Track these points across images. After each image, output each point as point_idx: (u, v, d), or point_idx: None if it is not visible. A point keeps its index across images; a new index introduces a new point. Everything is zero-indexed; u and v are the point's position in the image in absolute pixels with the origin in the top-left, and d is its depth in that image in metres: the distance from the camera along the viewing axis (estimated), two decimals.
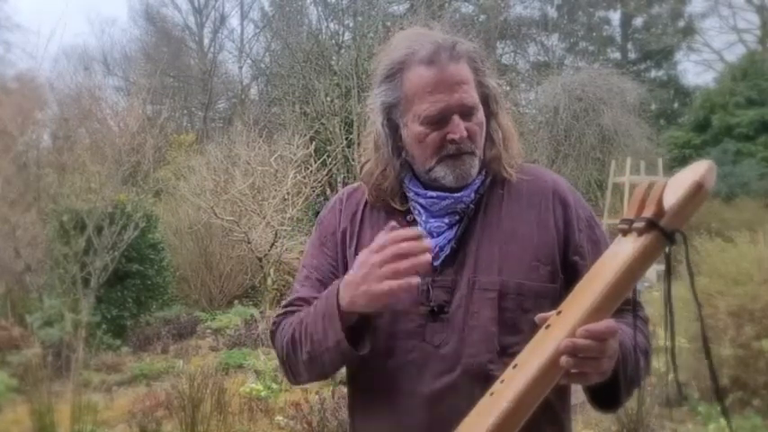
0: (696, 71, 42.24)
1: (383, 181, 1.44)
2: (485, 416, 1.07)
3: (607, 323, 1.09)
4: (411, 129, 1.39)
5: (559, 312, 1.13)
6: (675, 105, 26.51)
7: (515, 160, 1.45)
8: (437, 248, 1.37)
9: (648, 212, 1.08)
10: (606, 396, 1.30)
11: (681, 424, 4.79)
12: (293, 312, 1.45)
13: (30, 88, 11.38)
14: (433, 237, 1.38)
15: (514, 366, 1.11)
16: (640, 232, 1.08)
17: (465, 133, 1.36)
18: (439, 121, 1.36)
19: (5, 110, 9.57)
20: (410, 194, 1.43)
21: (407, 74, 1.38)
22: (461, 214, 1.40)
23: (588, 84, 16.99)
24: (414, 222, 1.42)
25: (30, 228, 8.71)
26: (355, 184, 1.56)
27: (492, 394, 1.10)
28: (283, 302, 1.54)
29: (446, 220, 1.40)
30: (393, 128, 1.42)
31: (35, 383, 5.15)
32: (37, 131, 10.62)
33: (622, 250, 1.10)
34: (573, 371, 1.09)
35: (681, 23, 26.75)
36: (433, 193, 1.40)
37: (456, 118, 1.35)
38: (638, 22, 27.51)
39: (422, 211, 1.41)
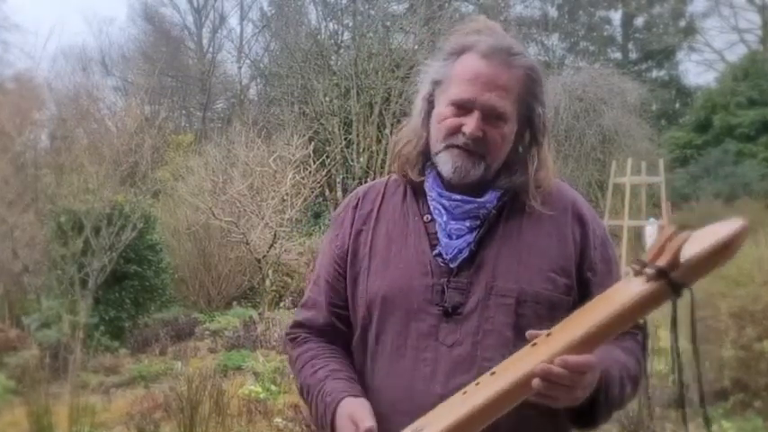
0: (697, 71, 42.12)
1: (408, 150, 1.47)
2: (451, 412, 1.12)
3: (586, 358, 1.12)
4: (438, 108, 1.42)
5: (549, 334, 1.16)
6: (677, 105, 26.48)
7: (541, 192, 1.44)
8: (456, 250, 1.40)
9: (663, 261, 1.07)
10: (582, 416, 1.32)
11: (681, 426, 4.76)
12: (305, 339, 1.52)
13: (28, 88, 11.37)
14: (452, 239, 1.40)
15: (492, 373, 1.15)
16: (649, 278, 1.08)
17: (479, 133, 1.37)
18: (461, 108, 1.38)
19: (3, 110, 9.55)
20: (432, 194, 1.44)
21: (462, 59, 1.41)
22: (482, 219, 1.41)
23: (589, 84, 16.96)
24: (431, 222, 1.44)
25: (27, 228, 8.68)
26: (370, 183, 1.60)
27: (464, 393, 1.15)
28: (300, 302, 1.59)
29: (467, 224, 1.41)
30: (431, 104, 1.45)
31: (33, 385, 5.14)
32: (35, 132, 10.56)
33: (628, 291, 1.11)
34: (543, 392, 1.12)
35: (682, 23, 26.75)
36: (458, 197, 1.41)
37: (477, 113, 1.37)
38: (639, 21, 27.52)
39: (443, 212, 1.42)
